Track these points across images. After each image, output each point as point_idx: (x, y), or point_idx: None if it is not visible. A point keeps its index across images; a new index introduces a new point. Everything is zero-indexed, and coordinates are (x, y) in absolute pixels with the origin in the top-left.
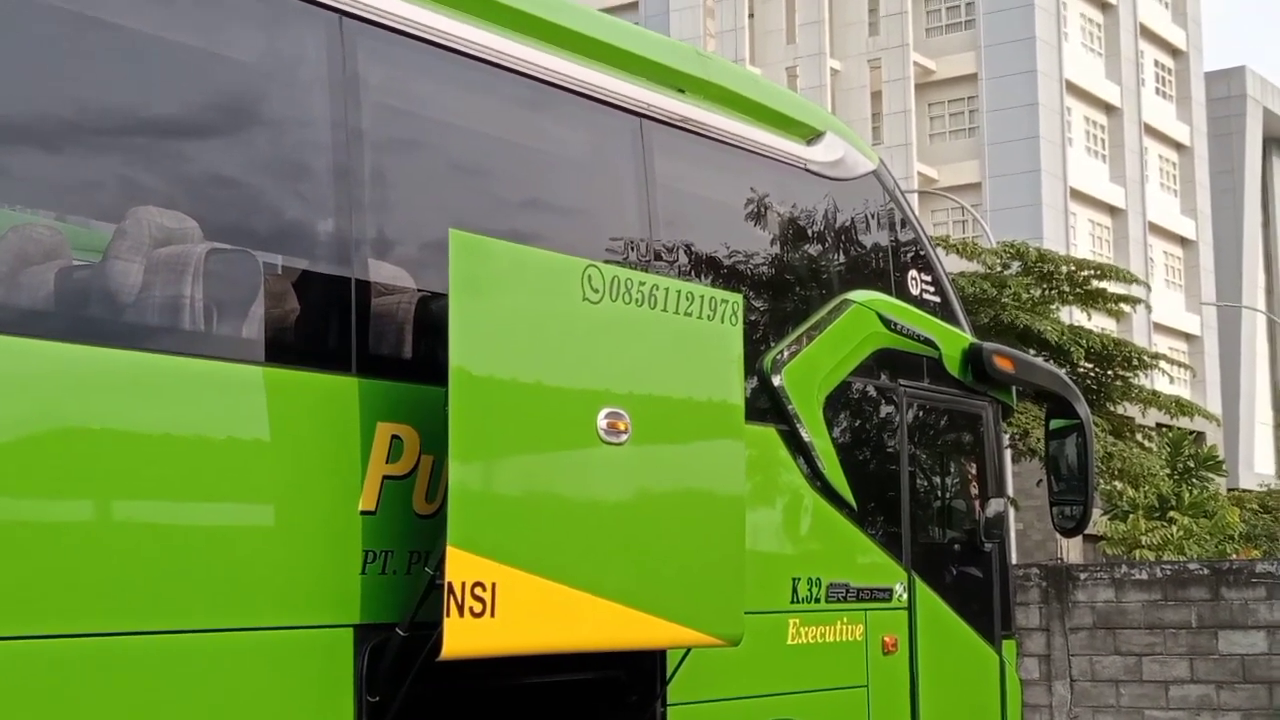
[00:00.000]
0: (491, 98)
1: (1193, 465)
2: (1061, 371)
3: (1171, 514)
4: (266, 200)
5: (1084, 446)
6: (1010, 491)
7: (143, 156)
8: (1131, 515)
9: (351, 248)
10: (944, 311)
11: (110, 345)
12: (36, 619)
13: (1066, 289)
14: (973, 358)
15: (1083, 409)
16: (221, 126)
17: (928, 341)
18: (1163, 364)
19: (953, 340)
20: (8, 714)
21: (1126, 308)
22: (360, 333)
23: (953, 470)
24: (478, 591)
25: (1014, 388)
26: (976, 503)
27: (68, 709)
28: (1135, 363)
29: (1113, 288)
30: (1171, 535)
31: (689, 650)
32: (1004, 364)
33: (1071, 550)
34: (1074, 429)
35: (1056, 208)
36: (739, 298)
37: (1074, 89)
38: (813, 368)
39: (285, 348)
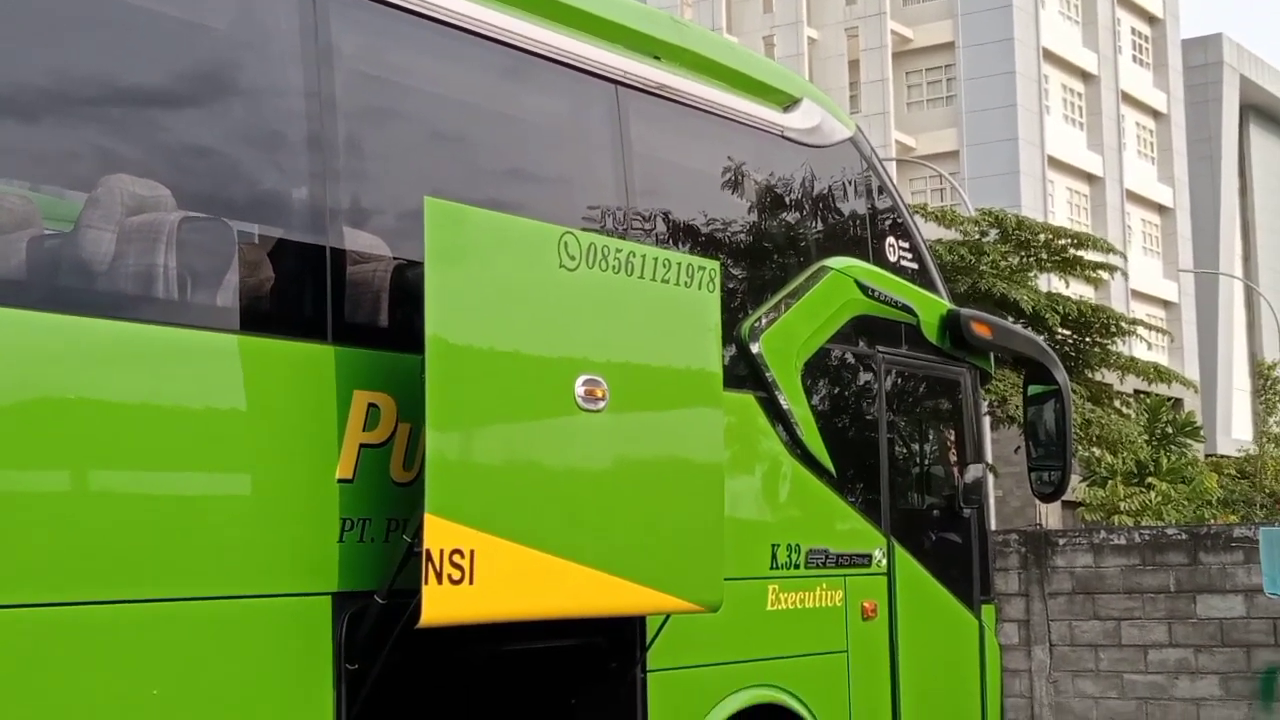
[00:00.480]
0: (466, 65)
1: (1171, 431)
2: (1040, 338)
3: (1150, 480)
4: (240, 168)
5: (1062, 412)
6: (989, 458)
7: (115, 125)
8: (1110, 481)
9: (326, 216)
10: (922, 278)
11: (84, 314)
12: (11, 588)
13: (1044, 256)
14: (951, 324)
15: (1060, 375)
16: (195, 94)
17: (906, 308)
18: (1140, 330)
19: (931, 307)
20: None
21: (1105, 275)
22: (336, 301)
23: (931, 436)
24: (456, 559)
25: (992, 354)
26: (955, 468)
27: (46, 678)
28: (1113, 329)
29: (1090, 256)
30: (1150, 501)
31: (668, 616)
32: (982, 330)
33: (1050, 516)
34: (1052, 394)
35: (1034, 175)
36: (716, 265)
37: (1051, 57)
38: (791, 335)
39: (260, 316)
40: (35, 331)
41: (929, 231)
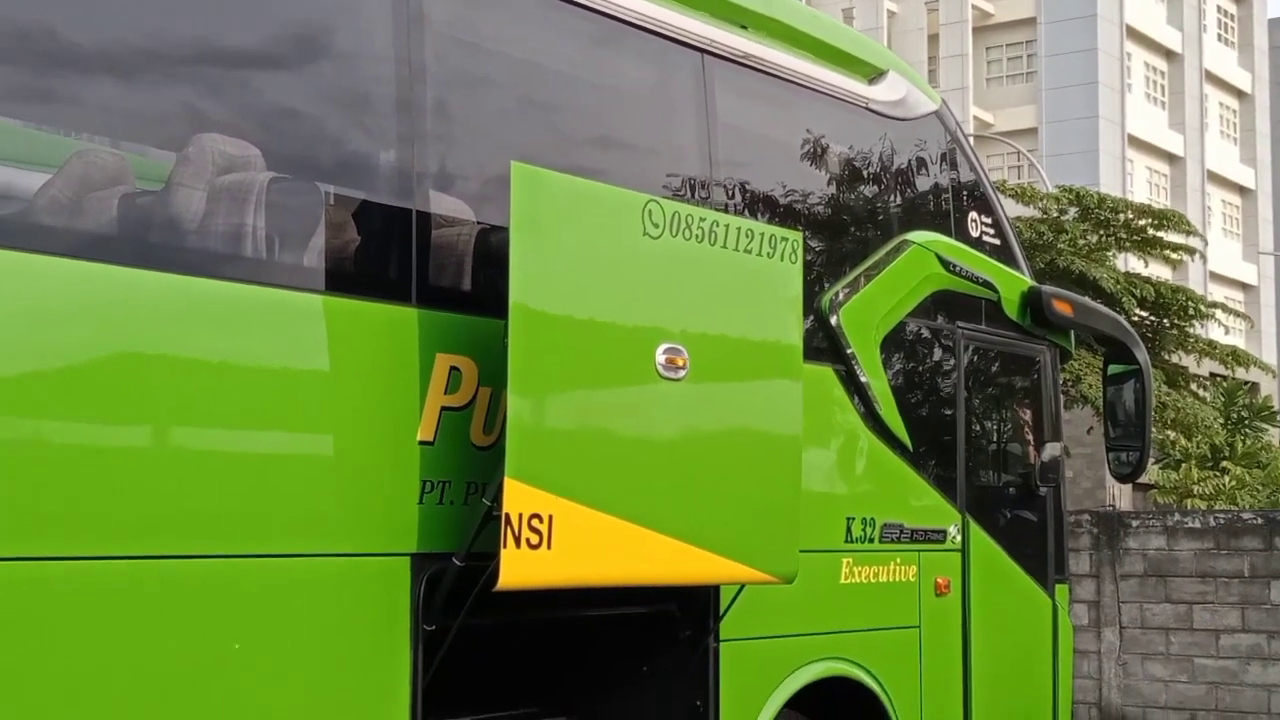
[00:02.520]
0: (555, 32)
1: (1246, 416)
2: (1121, 317)
3: (1224, 464)
4: (329, 131)
5: (1142, 392)
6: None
7: (207, 84)
8: (1184, 464)
9: (413, 180)
10: (1003, 254)
11: (173, 271)
12: (102, 541)
13: (1123, 235)
14: (1032, 301)
15: (1142, 354)
16: (286, 56)
17: (986, 284)
18: (1219, 313)
19: (1012, 283)
20: (76, 633)
21: (1184, 256)
22: (420, 264)
23: (1009, 414)
24: (534, 523)
25: (1072, 332)
26: (1032, 447)
27: (135, 631)
28: (1191, 311)
29: (1169, 236)
30: (1223, 485)
31: (743, 587)
32: (1063, 308)
33: (1122, 498)
34: (1132, 374)
35: (1114, 154)
36: (799, 235)
37: (1134, 34)
38: (871, 308)
39: (346, 277)
40: (126, 288)
41: (1008, 208)
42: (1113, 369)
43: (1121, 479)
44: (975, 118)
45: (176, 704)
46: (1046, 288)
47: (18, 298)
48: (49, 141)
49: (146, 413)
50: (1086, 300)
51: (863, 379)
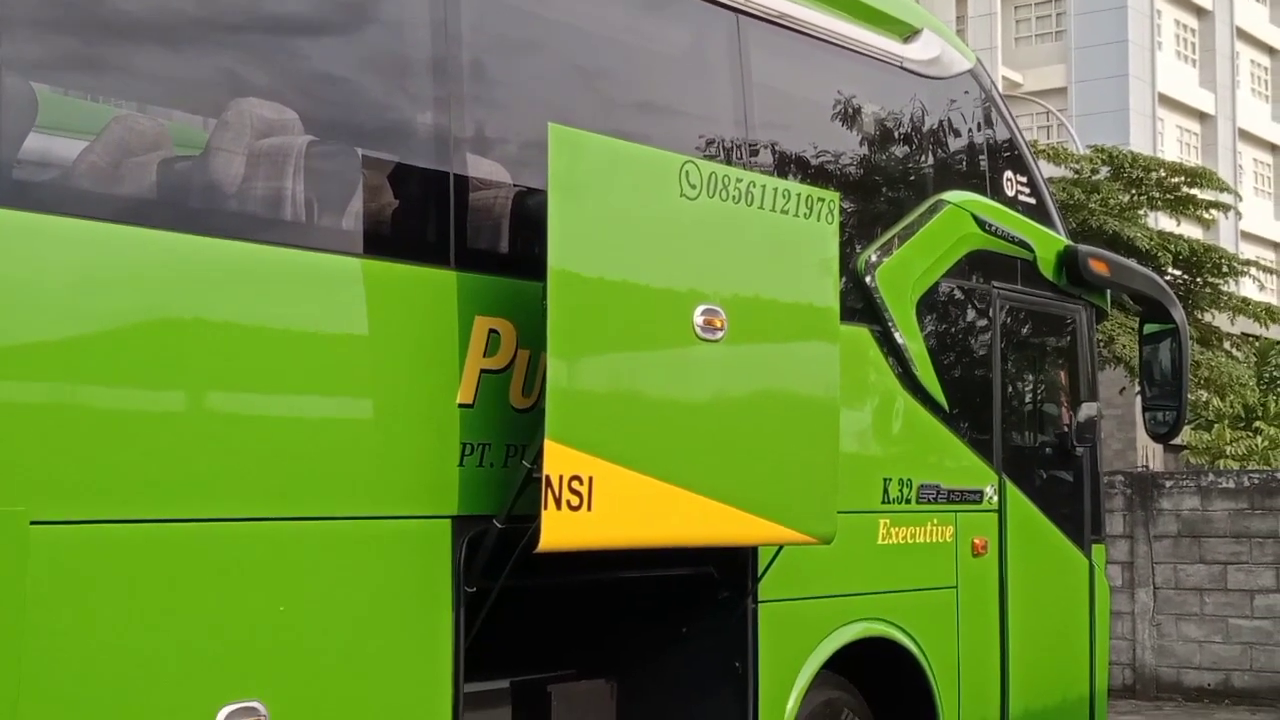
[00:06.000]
0: None
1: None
2: (1156, 275)
3: (1257, 424)
4: (367, 94)
5: (1179, 351)
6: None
7: (245, 49)
8: (1216, 425)
9: (450, 143)
10: (1039, 213)
11: (212, 235)
12: (149, 505)
13: (1156, 194)
14: (1068, 260)
15: (1178, 313)
16: (323, 20)
17: (1022, 243)
18: (1253, 271)
19: (1048, 242)
20: (125, 593)
21: (1217, 214)
22: (458, 226)
23: (1045, 374)
24: (575, 485)
25: (1108, 292)
26: (1068, 407)
27: (181, 591)
28: (1225, 269)
29: (1201, 195)
30: (1256, 445)
31: (781, 548)
32: (1099, 267)
33: (1154, 459)
34: (1169, 334)
35: (1144, 113)
36: (836, 196)
37: None
38: (906, 268)
39: (384, 241)
40: (166, 252)
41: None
42: (1149, 328)
43: (1158, 439)
44: (1004, 78)
45: (223, 664)
46: (1083, 247)
47: (59, 263)
48: (89, 109)
49: (188, 377)
50: (1123, 259)
51: (899, 340)
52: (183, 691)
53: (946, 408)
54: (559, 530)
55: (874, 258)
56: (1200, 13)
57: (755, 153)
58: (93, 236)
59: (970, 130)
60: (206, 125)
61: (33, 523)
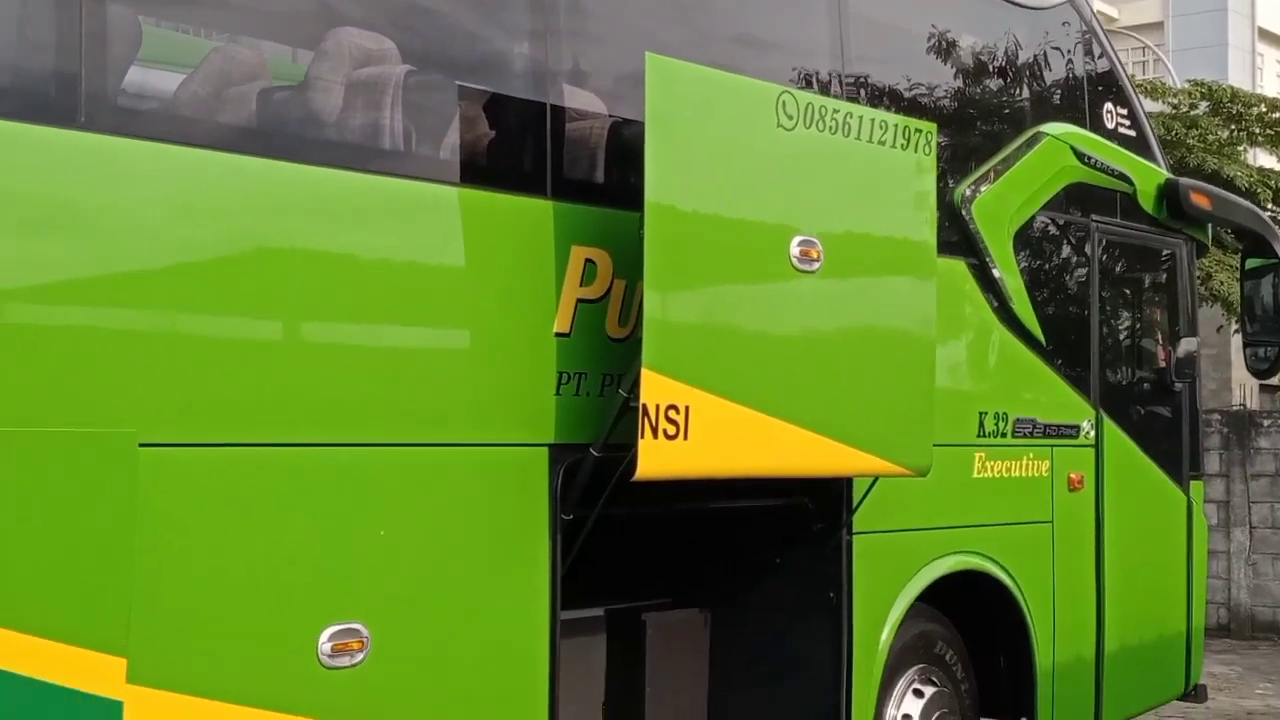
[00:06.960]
0: None
1: None
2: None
3: None
4: (464, 25)
5: None
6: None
7: None
8: None
9: (547, 73)
10: (1139, 146)
11: (311, 163)
12: (250, 429)
13: (1256, 130)
14: (1169, 194)
15: None
16: None
17: (1122, 176)
18: None
19: (1148, 175)
20: (230, 516)
21: None
22: (555, 157)
23: (1144, 308)
24: (671, 414)
25: (1209, 225)
26: (1167, 341)
27: (284, 514)
28: None
29: None
30: None
31: (876, 479)
32: (1201, 200)
33: (1251, 399)
34: (1271, 268)
35: (1243, 48)
36: (933, 127)
37: None
38: (1004, 201)
39: (481, 170)
40: (266, 180)
41: None
42: (1251, 263)
43: (1259, 375)
44: (1099, 12)
45: (326, 586)
46: (1184, 180)
47: (163, 190)
48: (191, 43)
49: (289, 304)
50: (1224, 193)
51: (995, 273)
52: (287, 612)
53: (1043, 342)
54: (655, 459)
55: (970, 190)
56: None
57: (852, 85)
58: (194, 163)
59: (1069, 61)
60: (302, 57)
61: (141, 444)
